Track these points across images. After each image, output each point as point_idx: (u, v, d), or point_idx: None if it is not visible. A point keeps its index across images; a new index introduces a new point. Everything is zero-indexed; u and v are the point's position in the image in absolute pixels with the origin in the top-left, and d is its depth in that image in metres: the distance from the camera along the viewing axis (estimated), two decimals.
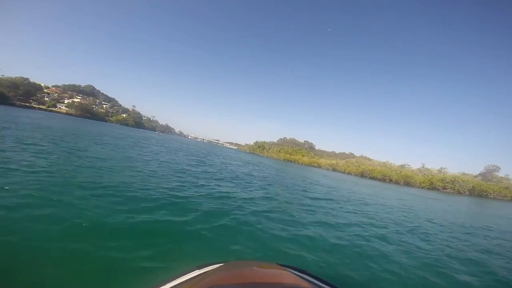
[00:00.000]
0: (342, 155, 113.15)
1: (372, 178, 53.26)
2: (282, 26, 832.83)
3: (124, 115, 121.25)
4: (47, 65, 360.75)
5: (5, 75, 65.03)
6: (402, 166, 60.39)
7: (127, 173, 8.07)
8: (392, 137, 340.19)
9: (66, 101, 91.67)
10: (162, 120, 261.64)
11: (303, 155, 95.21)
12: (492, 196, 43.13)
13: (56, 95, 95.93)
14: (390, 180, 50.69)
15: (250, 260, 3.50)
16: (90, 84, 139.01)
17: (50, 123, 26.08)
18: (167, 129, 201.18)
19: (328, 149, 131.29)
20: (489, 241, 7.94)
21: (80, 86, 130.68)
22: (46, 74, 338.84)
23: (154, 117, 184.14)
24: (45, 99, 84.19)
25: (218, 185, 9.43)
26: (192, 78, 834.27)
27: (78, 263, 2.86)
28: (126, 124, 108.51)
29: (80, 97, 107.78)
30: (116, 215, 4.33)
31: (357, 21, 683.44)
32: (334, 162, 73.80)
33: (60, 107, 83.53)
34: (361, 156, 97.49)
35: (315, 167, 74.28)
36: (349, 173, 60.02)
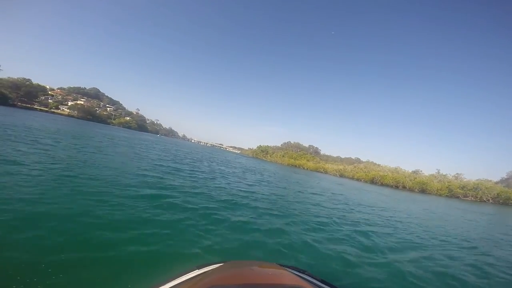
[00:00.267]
0: (348, 160, 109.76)
1: (383, 184, 50.02)
2: (284, 28, 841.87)
3: (127, 118, 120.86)
4: (56, 69, 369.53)
5: (6, 76, 64.52)
6: (415, 172, 56.92)
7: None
8: (392, 140, 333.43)
9: (69, 103, 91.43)
10: (166, 124, 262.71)
11: (308, 160, 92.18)
12: None
13: (60, 97, 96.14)
14: (404, 187, 47.36)
15: (250, 260, 3.39)
16: (95, 87, 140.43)
17: (32, 122, 24.28)
18: (170, 133, 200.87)
19: (331, 153, 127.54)
20: None
21: (85, 88, 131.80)
22: (55, 77, 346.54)
23: (158, 120, 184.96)
24: (49, 101, 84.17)
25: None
26: (197, 82, 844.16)
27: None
28: (129, 127, 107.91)
29: (84, 100, 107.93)
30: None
31: (361, 23, 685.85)
32: (341, 167, 70.64)
33: (62, 109, 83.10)
34: (368, 161, 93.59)
35: (321, 172, 71.25)
36: (358, 179, 56.88)
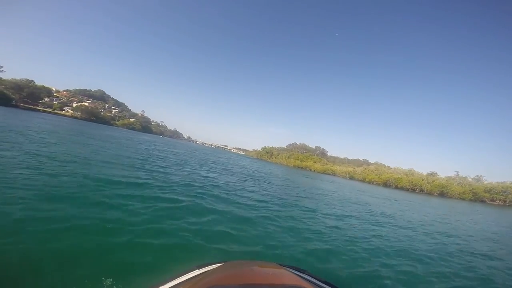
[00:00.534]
0: (356, 162, 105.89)
1: (398, 187, 46.61)
2: (288, 29, 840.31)
3: (132, 119, 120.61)
4: (63, 71, 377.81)
5: (9, 77, 64.30)
6: (432, 174, 53.12)
7: None
8: (392, 140, 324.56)
9: (74, 104, 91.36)
10: (171, 125, 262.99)
11: (315, 162, 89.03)
12: None
13: (65, 98, 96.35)
14: (421, 190, 43.88)
15: (250, 260, 3.39)
16: (100, 89, 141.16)
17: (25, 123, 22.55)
18: (175, 134, 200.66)
19: (338, 155, 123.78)
20: None
21: (90, 90, 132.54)
22: (62, 80, 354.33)
23: (163, 122, 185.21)
24: (54, 102, 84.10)
25: None
26: (203, 83, 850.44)
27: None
28: (133, 128, 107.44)
29: (89, 101, 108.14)
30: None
31: (363, 25, 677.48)
32: (350, 169, 67.37)
33: (66, 110, 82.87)
34: (377, 163, 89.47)
35: (330, 174, 68.09)
36: (369, 182, 53.54)
